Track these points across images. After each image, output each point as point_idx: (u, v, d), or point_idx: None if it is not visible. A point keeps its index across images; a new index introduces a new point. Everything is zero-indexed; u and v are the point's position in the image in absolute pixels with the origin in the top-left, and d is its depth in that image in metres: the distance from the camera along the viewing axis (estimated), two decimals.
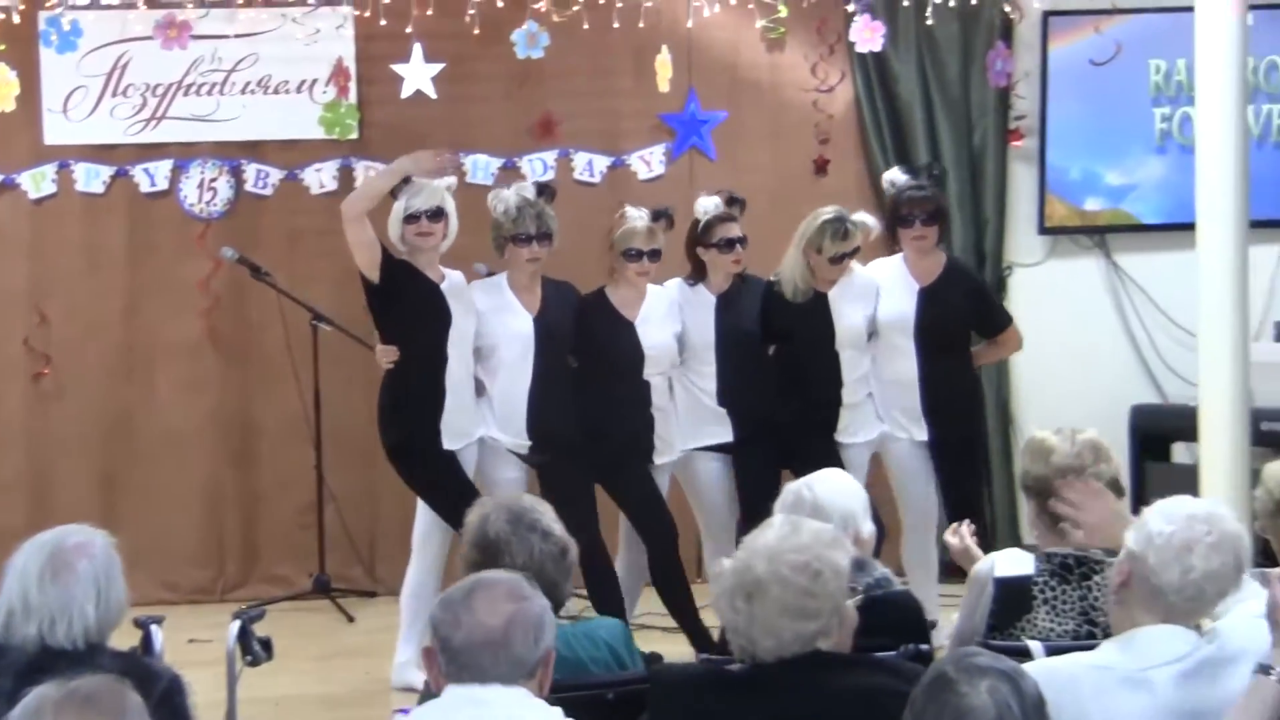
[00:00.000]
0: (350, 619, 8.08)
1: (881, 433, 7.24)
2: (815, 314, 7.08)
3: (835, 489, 4.57)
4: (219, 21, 8.45)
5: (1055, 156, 8.78)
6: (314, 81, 8.58)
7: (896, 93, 8.71)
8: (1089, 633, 4.22)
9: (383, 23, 8.07)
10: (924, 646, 3.93)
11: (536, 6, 8.18)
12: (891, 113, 8.72)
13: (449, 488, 6.73)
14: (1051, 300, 8.76)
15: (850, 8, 8.46)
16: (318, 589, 8.28)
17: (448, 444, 6.81)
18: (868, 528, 4.51)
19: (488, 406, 6.95)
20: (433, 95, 8.52)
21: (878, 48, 8.54)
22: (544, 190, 7.01)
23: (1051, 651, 3.91)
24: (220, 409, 8.67)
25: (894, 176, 7.28)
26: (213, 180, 8.60)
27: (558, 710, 3.38)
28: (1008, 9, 8.53)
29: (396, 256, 6.79)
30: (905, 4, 8.34)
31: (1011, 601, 4.41)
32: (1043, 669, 3.57)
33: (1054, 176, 8.73)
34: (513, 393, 6.90)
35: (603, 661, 4.17)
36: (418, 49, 8.43)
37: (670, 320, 7.07)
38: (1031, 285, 8.82)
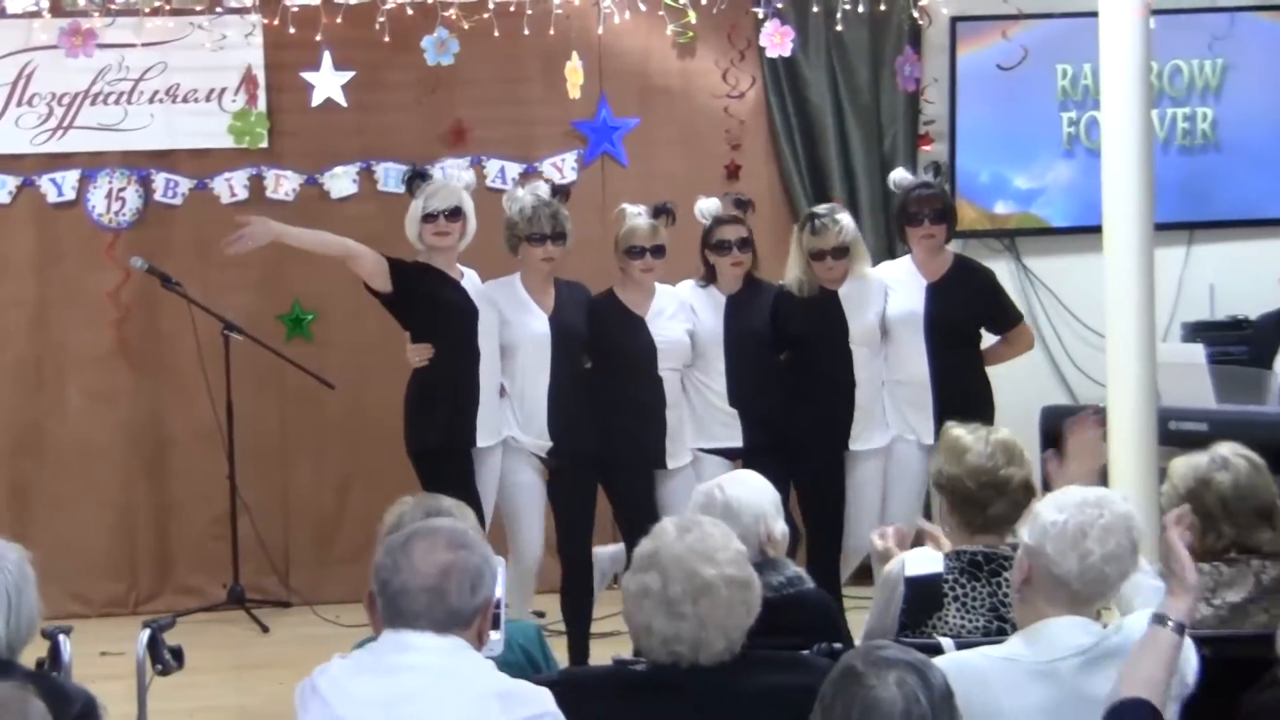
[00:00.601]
0: (265, 629, 8.04)
1: (891, 438, 7.20)
2: (828, 313, 7.06)
3: (747, 488, 4.59)
4: (126, 30, 8.38)
5: (965, 161, 8.86)
6: (223, 90, 8.53)
7: (807, 98, 8.76)
8: (999, 629, 4.26)
9: (292, 31, 8.05)
10: (837, 645, 3.94)
11: (447, 14, 8.16)
12: (802, 118, 8.77)
13: (465, 495, 6.75)
14: None
15: (760, 13, 8.49)
16: (232, 600, 8.22)
17: (481, 441, 6.78)
18: (780, 527, 4.52)
19: (509, 407, 6.91)
20: (343, 103, 8.50)
21: (787, 53, 8.58)
22: (558, 191, 7.01)
23: (962, 648, 3.94)
24: (131, 420, 8.60)
25: (899, 177, 7.29)
26: (121, 190, 8.52)
27: (489, 663, 3.40)
28: (916, 15, 8.59)
29: (409, 260, 6.79)
30: (815, 10, 8.38)
31: (922, 600, 4.45)
32: (952, 662, 3.60)
33: (964, 180, 8.80)
34: (532, 394, 6.87)
35: (517, 665, 4.14)
36: (327, 57, 8.40)
37: (681, 316, 7.04)
38: None
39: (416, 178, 6.88)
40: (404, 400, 6.94)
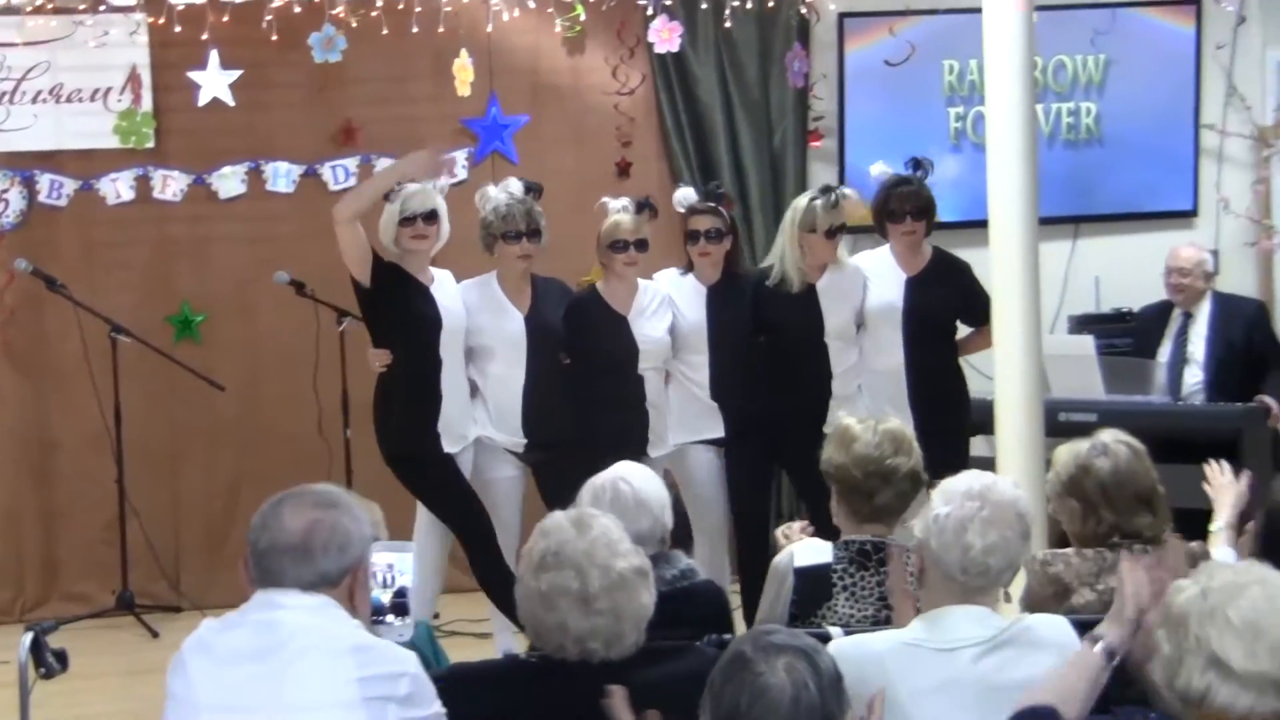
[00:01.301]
0: (155, 634, 7.95)
1: None
2: (805, 306, 7.07)
3: (650, 481, 4.60)
4: (7, 29, 8.26)
5: (854, 156, 8.91)
6: (108, 90, 8.41)
7: (697, 95, 8.78)
8: (888, 617, 4.28)
9: (177, 29, 7.96)
10: (727, 636, 3.96)
11: (335, 12, 8.11)
12: (692, 114, 8.79)
13: (450, 492, 6.73)
14: None
15: (648, 9, 8.50)
16: (121, 605, 8.13)
17: (446, 447, 6.75)
18: (670, 520, 4.55)
19: (481, 406, 6.88)
20: (230, 102, 8.41)
21: (675, 48, 8.59)
22: (531, 188, 6.96)
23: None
24: (17, 424, 8.47)
25: (878, 172, 7.30)
26: (4, 191, 8.39)
27: (352, 621, 3.40)
28: (804, 11, 8.63)
29: (386, 259, 6.71)
30: (704, 6, 8.40)
31: (812, 590, 4.48)
32: (853, 645, 3.64)
33: (853, 176, 8.80)
34: (506, 392, 6.85)
35: None
36: (214, 56, 8.31)
37: (663, 314, 7.03)
38: None
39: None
40: (372, 406, 6.92)
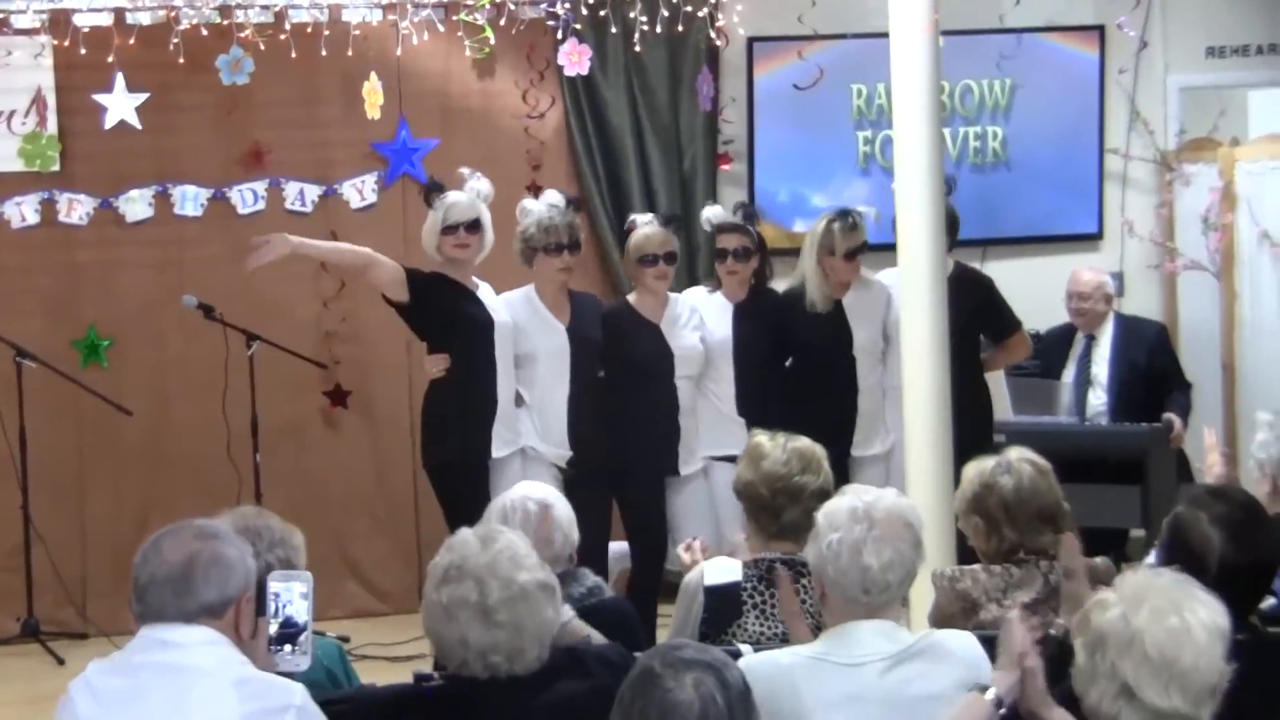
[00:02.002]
0: (61, 661, 7.83)
1: (893, 443, 7.27)
2: (832, 323, 7.20)
3: (558, 499, 4.62)
4: None
5: (763, 180, 8.96)
6: (12, 112, 8.31)
7: (606, 118, 8.79)
8: None
9: (83, 52, 7.92)
10: (637, 655, 3.96)
11: (243, 35, 8.07)
12: (602, 138, 8.80)
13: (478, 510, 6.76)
14: None
15: (558, 33, 8.50)
16: (26, 632, 8.03)
17: (497, 451, 6.79)
18: (577, 538, 4.56)
19: (527, 417, 6.93)
20: (137, 125, 8.33)
21: (585, 71, 8.60)
22: (571, 201, 7.11)
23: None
24: None
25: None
26: None
27: (237, 656, 3.39)
28: (713, 35, 8.66)
29: (424, 270, 6.80)
30: (613, 30, 8.41)
31: (722, 608, 4.50)
32: (761, 662, 3.66)
33: (763, 199, 8.86)
34: (551, 404, 6.93)
35: (319, 683, 4.11)
36: (120, 78, 8.23)
37: (694, 324, 7.15)
38: None
39: (434, 190, 6.95)
40: (421, 412, 7.02)
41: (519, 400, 6.93)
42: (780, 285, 7.46)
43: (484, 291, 6.93)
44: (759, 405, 7.07)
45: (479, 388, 6.78)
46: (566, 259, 6.92)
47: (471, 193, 6.90)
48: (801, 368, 7.30)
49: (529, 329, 6.92)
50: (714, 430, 7.12)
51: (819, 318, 7.17)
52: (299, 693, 3.39)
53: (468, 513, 6.73)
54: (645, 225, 7.09)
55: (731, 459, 6.99)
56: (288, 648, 3.67)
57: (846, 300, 7.23)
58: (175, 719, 3.29)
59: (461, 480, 6.74)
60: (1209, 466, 4.80)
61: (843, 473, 7.09)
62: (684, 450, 7.03)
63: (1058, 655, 3.48)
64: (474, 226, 6.82)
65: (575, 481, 6.78)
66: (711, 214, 7.29)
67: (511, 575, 3.52)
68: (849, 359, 7.22)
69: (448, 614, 3.52)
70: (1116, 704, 3.12)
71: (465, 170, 7.12)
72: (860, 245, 7.16)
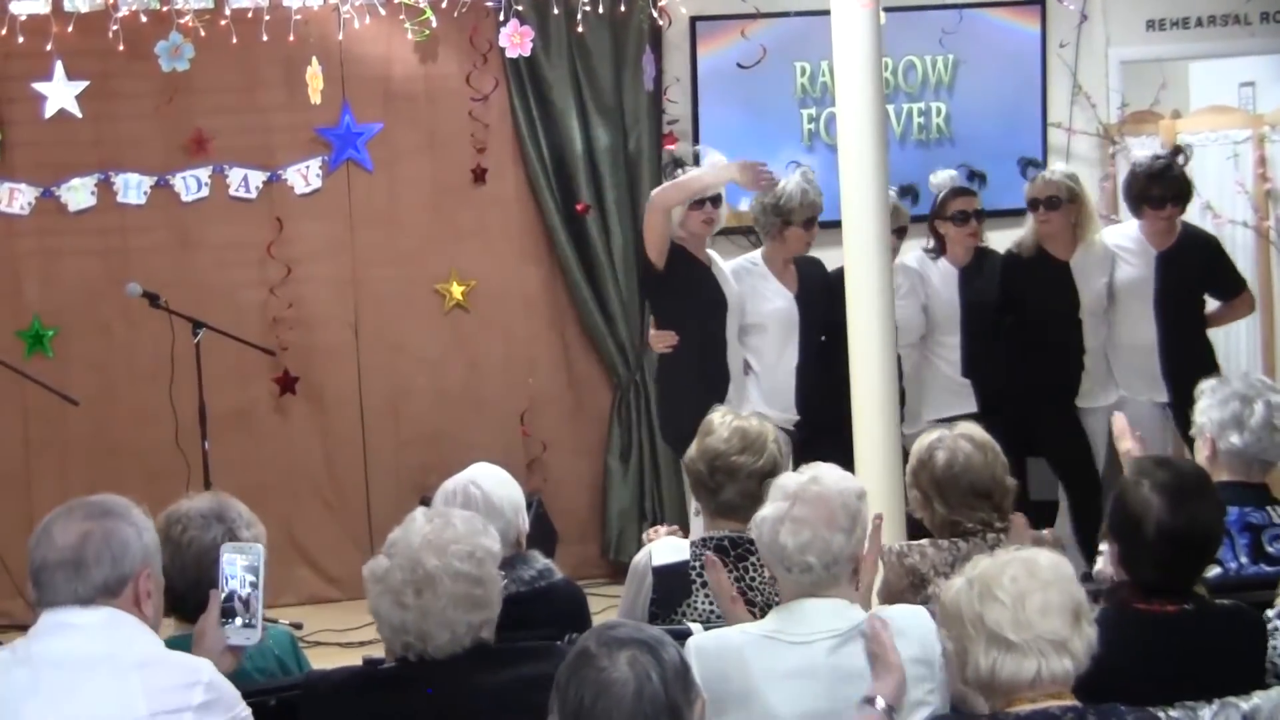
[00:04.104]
0: None
1: (1120, 396, 7.39)
2: (1059, 283, 7.32)
3: (502, 485, 4.61)
4: None
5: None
6: None
7: (551, 99, 8.76)
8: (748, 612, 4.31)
9: (21, 40, 7.85)
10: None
11: (182, 21, 8.02)
12: (547, 119, 8.77)
13: None
14: None
15: (500, 15, 8.47)
16: None
17: None
18: (525, 522, 4.56)
19: (754, 384, 7.04)
20: (78, 114, 8.27)
21: (527, 53, 8.56)
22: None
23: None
24: None
25: (1138, 157, 7.55)
26: None
27: (143, 634, 3.37)
28: (655, 15, 8.65)
29: (675, 243, 6.87)
30: (555, 11, 8.39)
31: (670, 588, 4.51)
32: (713, 639, 3.68)
33: None
34: (779, 370, 7.05)
35: (269, 671, 4.13)
36: (59, 66, 8.18)
37: (915, 293, 7.28)
38: None
39: (675, 163, 7.10)
40: (656, 385, 7.35)
41: (746, 368, 7.05)
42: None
43: (716, 262, 7.04)
44: (985, 367, 7.24)
45: (713, 361, 6.89)
46: (815, 231, 7.07)
47: (716, 165, 6.94)
48: (1026, 325, 7.41)
49: (757, 296, 7.04)
50: (936, 394, 7.29)
51: (1046, 279, 7.32)
52: (207, 668, 3.36)
53: None
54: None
55: (955, 419, 7.13)
56: (238, 620, 3.67)
57: (1074, 260, 7.35)
58: (77, 709, 3.24)
59: None
60: (1124, 453, 4.81)
61: (1075, 424, 7.36)
62: (908, 414, 6.99)
63: None
64: (718, 201, 6.94)
65: (808, 444, 6.84)
66: (943, 178, 7.45)
67: (421, 559, 3.55)
68: (1075, 320, 7.36)
69: (369, 586, 3.62)
70: (990, 655, 3.18)
71: (701, 147, 7.29)
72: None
